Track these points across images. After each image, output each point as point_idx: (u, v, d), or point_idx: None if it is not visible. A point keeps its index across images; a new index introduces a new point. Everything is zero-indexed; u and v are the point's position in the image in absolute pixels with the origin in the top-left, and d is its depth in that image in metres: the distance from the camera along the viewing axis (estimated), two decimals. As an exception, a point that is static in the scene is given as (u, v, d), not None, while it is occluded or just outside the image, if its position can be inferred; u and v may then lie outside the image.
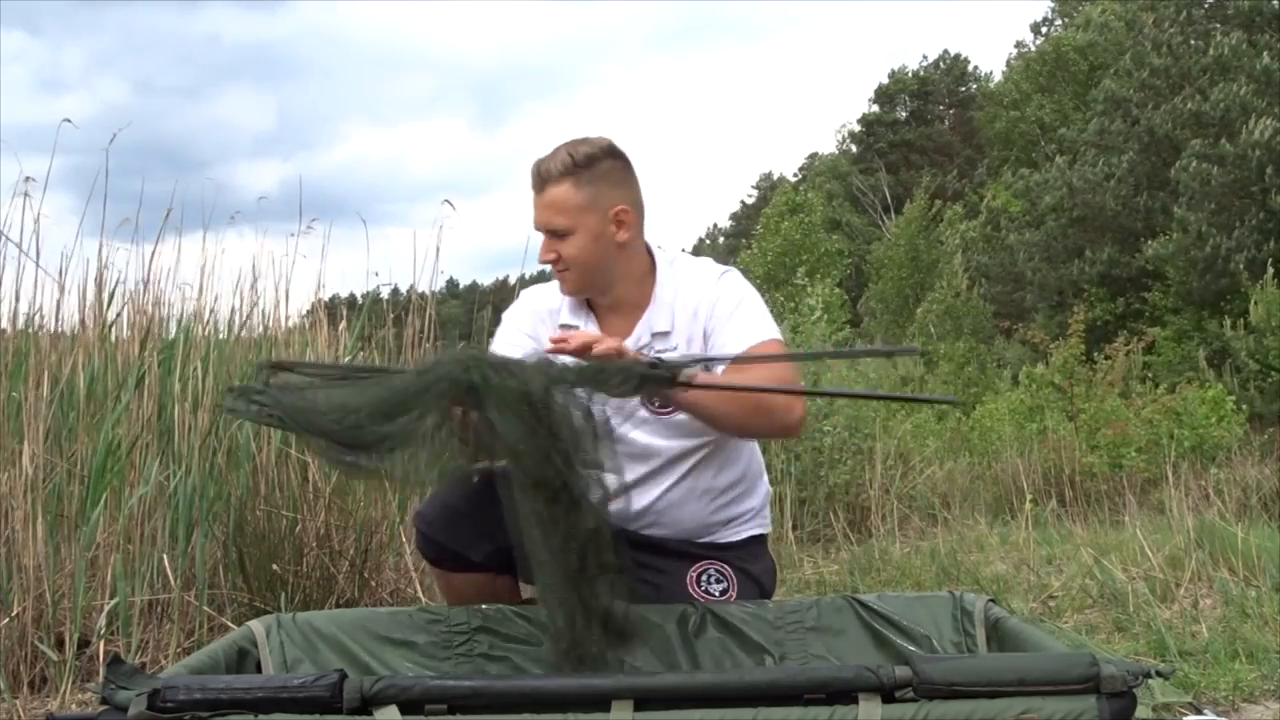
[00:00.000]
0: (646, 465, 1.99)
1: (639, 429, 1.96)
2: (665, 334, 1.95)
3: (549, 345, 1.75)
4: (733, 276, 2.01)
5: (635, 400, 1.88)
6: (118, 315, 3.11)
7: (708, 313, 1.94)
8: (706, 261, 2.06)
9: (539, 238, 1.96)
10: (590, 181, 1.91)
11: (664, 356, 1.86)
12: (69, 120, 2.71)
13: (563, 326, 1.99)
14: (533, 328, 2.04)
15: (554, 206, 1.90)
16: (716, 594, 1.95)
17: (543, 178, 1.91)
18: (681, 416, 1.93)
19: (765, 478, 2.15)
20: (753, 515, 2.09)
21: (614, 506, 1.96)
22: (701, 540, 2.03)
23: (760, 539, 2.09)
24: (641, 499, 2.00)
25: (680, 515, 2.02)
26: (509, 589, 2.03)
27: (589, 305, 2.02)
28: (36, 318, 2.91)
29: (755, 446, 2.13)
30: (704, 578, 2.00)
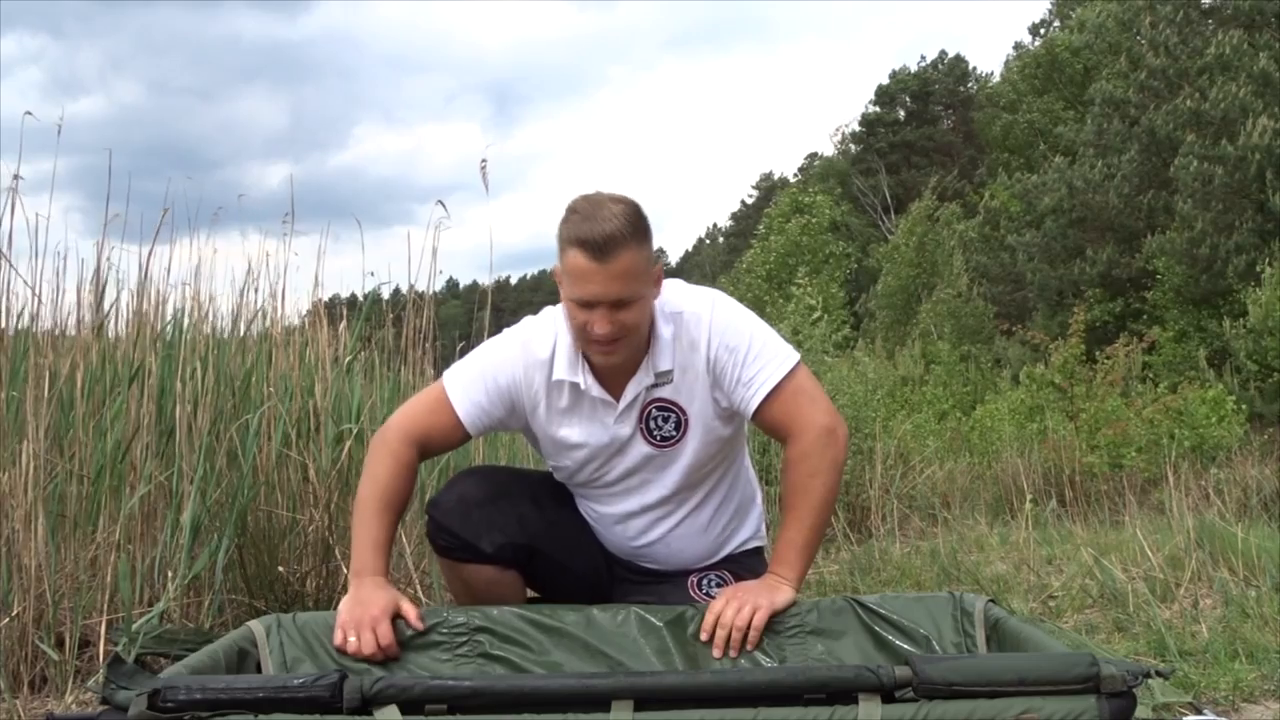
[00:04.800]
0: (644, 501, 1.99)
1: (644, 469, 1.95)
2: (667, 372, 1.87)
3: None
4: (724, 307, 1.90)
5: (632, 430, 1.90)
6: (112, 312, 3.11)
7: (713, 354, 1.85)
8: (679, 285, 1.94)
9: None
10: (645, 243, 1.76)
11: (659, 393, 1.88)
12: (30, 113, 2.68)
13: (557, 383, 1.89)
14: (512, 381, 1.90)
15: (625, 275, 1.71)
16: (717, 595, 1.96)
17: (609, 242, 1.69)
18: (687, 452, 1.92)
19: (759, 498, 2.16)
20: (748, 539, 2.11)
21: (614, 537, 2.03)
22: (700, 565, 2.07)
23: (758, 550, 2.11)
24: (643, 537, 2.03)
25: (678, 554, 2.04)
26: (516, 584, 2.04)
27: (585, 356, 1.88)
28: (29, 317, 2.91)
29: (751, 473, 2.12)
30: (704, 582, 2.02)
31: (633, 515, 2.01)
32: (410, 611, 1.75)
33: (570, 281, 1.76)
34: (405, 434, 1.91)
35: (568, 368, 1.87)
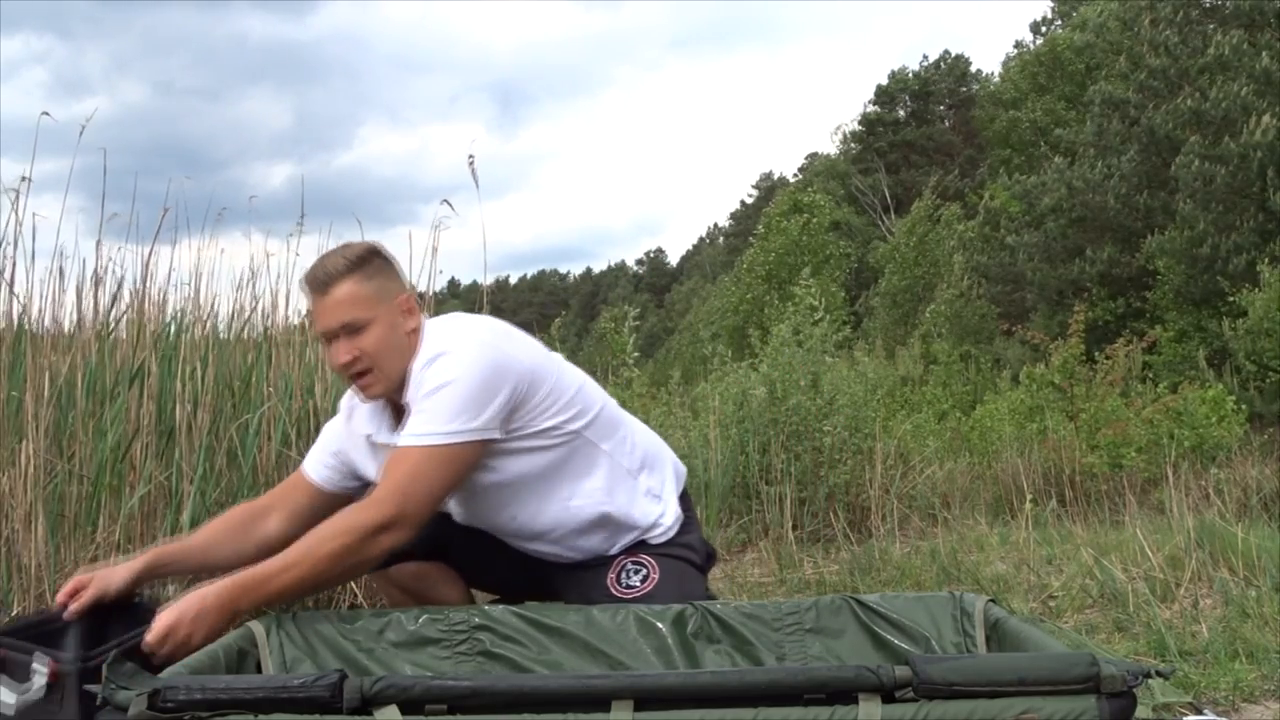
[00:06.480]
0: (474, 517, 2.02)
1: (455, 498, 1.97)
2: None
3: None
4: (449, 360, 1.85)
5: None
6: (117, 313, 3.11)
7: (410, 398, 1.87)
8: (452, 327, 1.95)
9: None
10: (372, 275, 1.90)
11: None
12: (47, 114, 2.72)
13: (364, 438, 1.98)
14: (341, 442, 2.04)
15: (346, 301, 1.86)
16: (638, 584, 1.97)
17: (325, 278, 1.87)
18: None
19: (647, 482, 2.07)
20: (654, 527, 2.05)
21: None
22: (612, 552, 2.04)
23: (672, 539, 2.06)
24: (508, 532, 2.04)
25: (541, 533, 2.02)
26: (448, 576, 2.09)
27: (393, 405, 1.96)
28: (33, 315, 2.91)
29: (624, 461, 2.04)
30: (623, 575, 2.01)
31: (476, 525, 2.05)
32: (90, 592, 1.81)
33: (315, 327, 1.94)
34: (270, 495, 2.11)
35: (367, 423, 1.99)
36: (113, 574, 1.86)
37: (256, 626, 1.77)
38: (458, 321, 1.98)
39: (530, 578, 2.09)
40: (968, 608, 1.80)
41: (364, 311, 1.86)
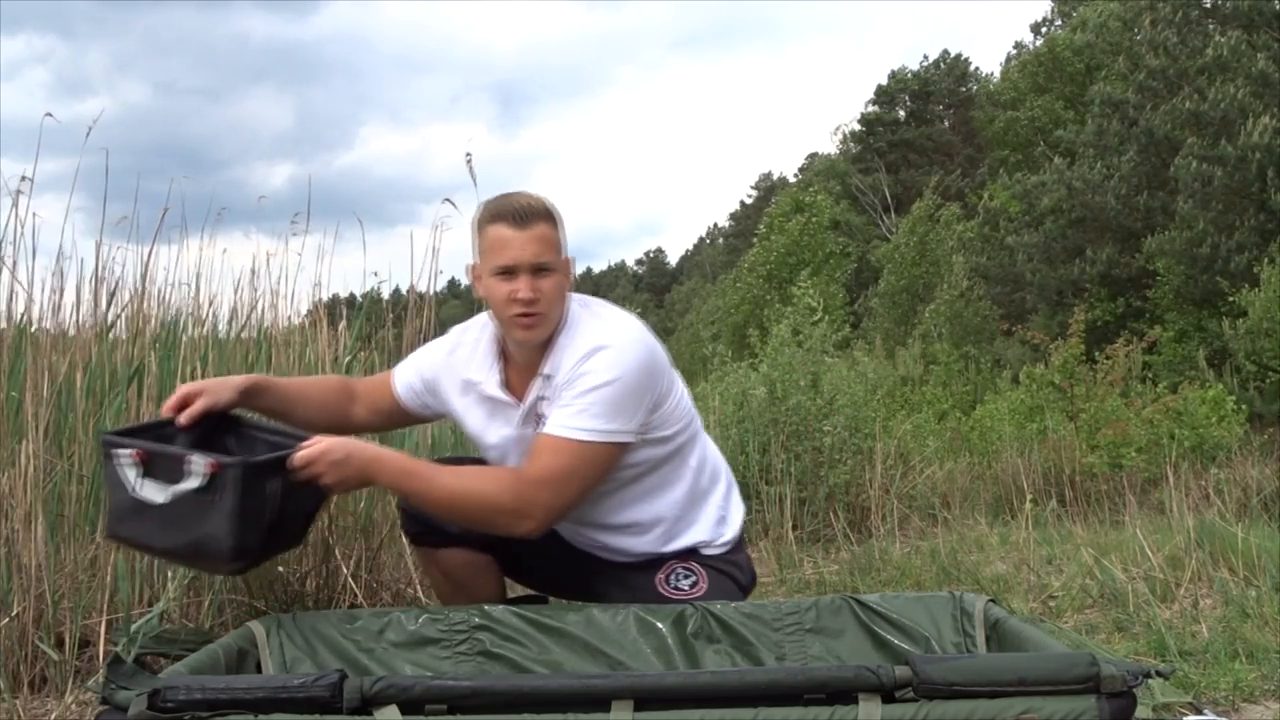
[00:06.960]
0: None
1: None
2: (550, 377, 1.91)
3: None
4: (613, 356, 1.86)
5: (532, 431, 1.94)
6: (118, 315, 3.11)
7: (564, 381, 1.88)
8: (613, 320, 1.98)
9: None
10: (559, 228, 1.93)
11: (545, 391, 1.91)
12: (50, 115, 2.72)
13: (467, 382, 2.01)
14: (435, 373, 2.07)
15: (541, 241, 1.87)
16: (686, 588, 1.98)
17: (529, 211, 1.87)
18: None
19: (716, 502, 2.10)
20: (711, 539, 2.07)
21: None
22: (665, 550, 2.05)
23: (722, 555, 2.08)
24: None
25: (595, 520, 2.03)
26: (491, 569, 2.12)
27: (502, 353, 2.00)
28: (32, 315, 2.91)
29: (697, 476, 2.06)
30: (672, 576, 2.02)
31: None
32: (203, 402, 1.91)
33: (492, 256, 1.88)
34: (365, 382, 2.21)
35: (475, 368, 2.01)
36: (222, 388, 1.95)
37: (256, 626, 1.77)
38: (610, 312, 2.00)
39: (577, 574, 2.11)
40: (968, 608, 1.80)
41: (554, 256, 1.89)
